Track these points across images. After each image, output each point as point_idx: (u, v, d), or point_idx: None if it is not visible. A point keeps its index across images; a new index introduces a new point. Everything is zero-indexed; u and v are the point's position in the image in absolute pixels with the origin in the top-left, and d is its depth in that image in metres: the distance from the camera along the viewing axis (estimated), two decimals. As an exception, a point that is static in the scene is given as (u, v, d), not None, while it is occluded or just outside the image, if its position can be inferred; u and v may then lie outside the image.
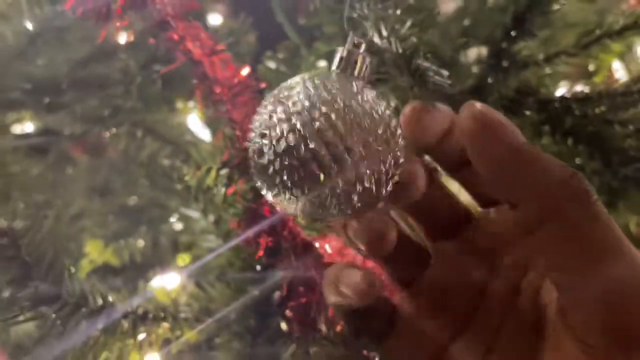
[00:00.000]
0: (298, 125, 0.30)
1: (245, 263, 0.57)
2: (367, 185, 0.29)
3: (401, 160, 0.29)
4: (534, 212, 0.25)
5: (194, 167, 0.48)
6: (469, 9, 0.78)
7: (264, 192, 0.31)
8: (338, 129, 0.30)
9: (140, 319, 0.48)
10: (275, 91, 0.33)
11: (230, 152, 0.48)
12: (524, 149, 0.24)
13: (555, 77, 0.69)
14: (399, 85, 0.44)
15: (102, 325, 0.45)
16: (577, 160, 0.60)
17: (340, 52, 0.36)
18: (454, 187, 0.33)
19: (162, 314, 0.50)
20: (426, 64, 0.37)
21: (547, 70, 0.67)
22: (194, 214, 0.68)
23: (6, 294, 0.39)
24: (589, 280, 0.24)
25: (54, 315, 0.42)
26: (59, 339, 0.43)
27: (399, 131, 0.30)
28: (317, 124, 0.30)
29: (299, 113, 0.31)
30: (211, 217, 0.69)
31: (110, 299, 0.46)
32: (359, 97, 0.32)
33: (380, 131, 0.29)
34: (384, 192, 0.29)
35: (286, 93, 0.32)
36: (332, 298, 0.29)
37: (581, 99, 0.62)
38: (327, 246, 0.48)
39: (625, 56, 0.95)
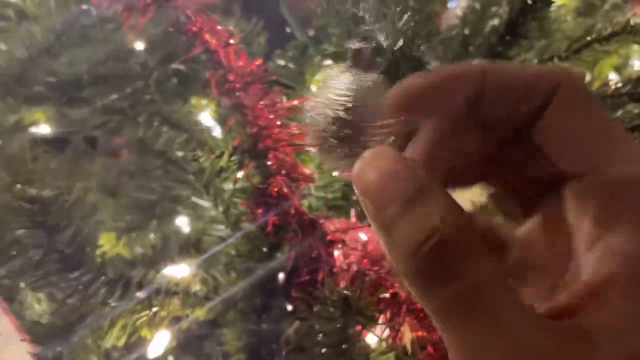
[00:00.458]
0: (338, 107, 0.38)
1: (253, 245, 0.60)
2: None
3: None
4: None
5: (208, 152, 0.52)
6: (468, 19, 0.83)
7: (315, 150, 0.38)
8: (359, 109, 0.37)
9: (155, 292, 0.51)
10: (322, 85, 0.41)
11: (241, 137, 0.51)
12: None
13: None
14: (398, 75, 0.48)
15: (119, 294, 0.48)
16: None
17: (349, 49, 0.42)
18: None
19: (174, 289, 0.53)
20: (422, 54, 0.41)
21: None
22: (205, 203, 0.72)
23: (35, 257, 0.42)
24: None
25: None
26: (80, 305, 0.46)
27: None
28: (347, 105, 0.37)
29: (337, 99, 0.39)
30: (221, 208, 0.73)
31: (127, 271, 0.49)
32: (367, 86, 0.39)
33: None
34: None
35: (329, 84, 0.40)
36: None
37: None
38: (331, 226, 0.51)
39: (621, 69, 0.99)
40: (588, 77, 0.94)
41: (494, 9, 0.76)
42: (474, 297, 0.19)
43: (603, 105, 0.64)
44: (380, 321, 0.45)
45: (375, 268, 0.51)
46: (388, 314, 0.50)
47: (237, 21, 0.68)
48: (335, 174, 0.63)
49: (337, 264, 0.47)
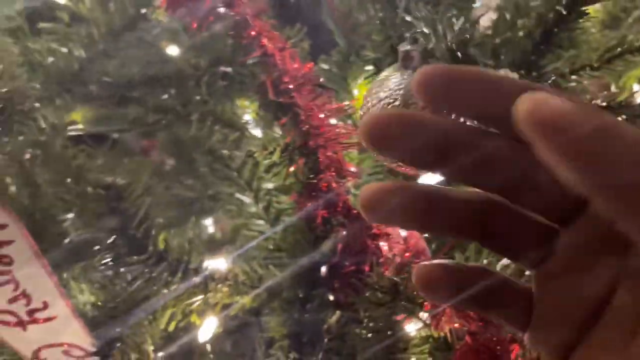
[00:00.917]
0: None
1: (295, 239, 0.64)
2: None
3: None
4: None
5: (261, 149, 0.56)
6: (500, 29, 0.86)
7: None
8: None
9: (208, 278, 0.55)
10: (376, 83, 0.46)
11: (293, 135, 0.55)
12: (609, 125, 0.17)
13: (580, 91, 0.76)
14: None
15: (178, 279, 0.52)
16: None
17: (403, 50, 0.47)
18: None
19: (226, 276, 0.56)
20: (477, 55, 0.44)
21: (573, 83, 0.74)
22: (247, 200, 0.75)
23: (108, 240, 0.46)
24: None
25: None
26: (142, 289, 0.50)
27: None
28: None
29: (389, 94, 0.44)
30: (261, 204, 0.76)
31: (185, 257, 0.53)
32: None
33: None
34: None
35: (381, 83, 0.45)
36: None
37: (602, 108, 0.69)
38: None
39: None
40: (613, 88, 0.97)
41: (523, 20, 0.79)
42: None
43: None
44: (423, 310, 0.48)
45: (417, 261, 0.54)
46: (429, 304, 0.53)
47: (281, 27, 0.71)
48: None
49: (384, 254, 0.51)
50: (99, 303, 0.55)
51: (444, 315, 0.52)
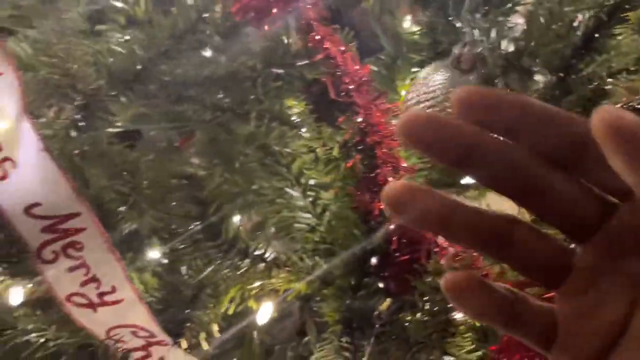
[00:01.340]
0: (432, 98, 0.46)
1: (345, 231, 0.68)
2: None
3: None
4: None
5: (320, 145, 0.60)
6: (535, 35, 0.89)
7: None
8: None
9: (268, 264, 0.59)
10: (421, 80, 0.50)
11: (352, 132, 0.59)
12: None
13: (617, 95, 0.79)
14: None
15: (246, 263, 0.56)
16: None
17: (455, 52, 0.50)
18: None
19: (285, 263, 0.60)
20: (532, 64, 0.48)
21: (609, 86, 0.77)
22: (295, 193, 0.79)
23: (187, 227, 0.50)
24: None
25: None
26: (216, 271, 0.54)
27: None
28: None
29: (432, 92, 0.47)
30: (309, 198, 0.80)
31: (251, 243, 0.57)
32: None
33: None
34: None
35: (424, 81, 0.49)
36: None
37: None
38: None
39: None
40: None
41: (558, 24, 0.82)
42: None
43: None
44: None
45: (467, 251, 0.58)
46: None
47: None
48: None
49: (439, 244, 0.54)
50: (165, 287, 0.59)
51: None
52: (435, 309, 0.52)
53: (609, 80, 0.75)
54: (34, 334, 0.79)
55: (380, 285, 0.65)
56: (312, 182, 0.77)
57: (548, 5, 0.78)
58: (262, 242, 0.58)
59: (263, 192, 0.88)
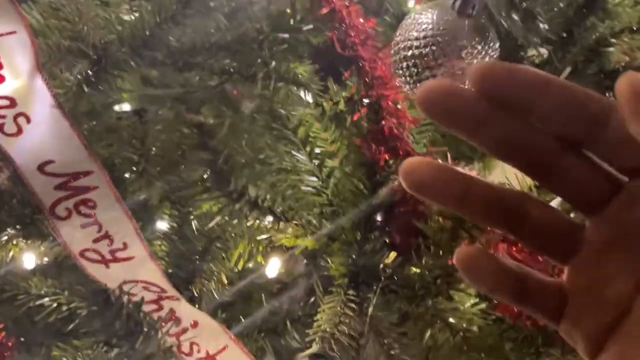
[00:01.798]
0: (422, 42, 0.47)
1: (351, 189, 0.69)
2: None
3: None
4: None
5: (327, 99, 0.61)
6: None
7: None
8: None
9: (283, 215, 0.60)
10: (412, 16, 0.49)
11: (357, 86, 0.60)
12: None
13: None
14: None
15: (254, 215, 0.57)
16: None
17: None
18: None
19: (296, 213, 0.62)
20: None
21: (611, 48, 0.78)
22: (301, 157, 0.81)
23: (195, 176, 0.52)
24: None
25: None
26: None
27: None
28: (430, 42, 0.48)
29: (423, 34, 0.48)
30: (315, 161, 0.82)
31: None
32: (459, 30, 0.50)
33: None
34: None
35: (417, 18, 0.48)
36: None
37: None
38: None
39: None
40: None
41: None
42: None
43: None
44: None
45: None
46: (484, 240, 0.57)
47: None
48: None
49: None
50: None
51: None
52: (439, 252, 0.53)
53: (612, 40, 0.76)
54: (47, 298, 0.80)
55: (386, 239, 0.66)
56: (317, 150, 0.78)
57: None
58: (271, 194, 0.59)
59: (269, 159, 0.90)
